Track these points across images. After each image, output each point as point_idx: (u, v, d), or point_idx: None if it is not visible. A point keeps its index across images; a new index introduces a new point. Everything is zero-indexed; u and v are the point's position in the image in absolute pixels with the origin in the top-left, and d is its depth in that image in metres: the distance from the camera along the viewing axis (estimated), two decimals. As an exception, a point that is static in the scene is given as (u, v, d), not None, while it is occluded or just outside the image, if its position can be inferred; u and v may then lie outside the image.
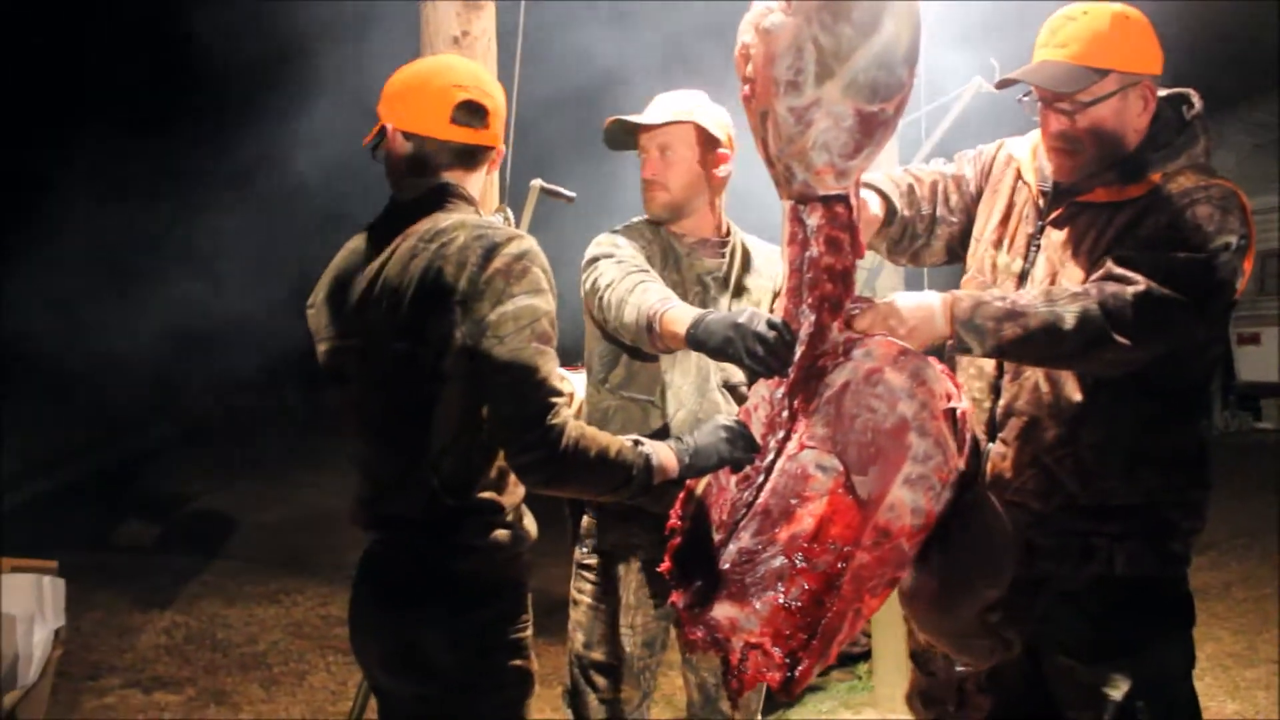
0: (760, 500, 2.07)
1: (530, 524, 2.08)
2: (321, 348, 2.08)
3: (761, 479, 2.09)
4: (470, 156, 2.08)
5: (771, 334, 2.00)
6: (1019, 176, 2.40)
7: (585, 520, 2.79)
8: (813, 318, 2.04)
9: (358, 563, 2.10)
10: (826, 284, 2.02)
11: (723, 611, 2.05)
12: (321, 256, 2.17)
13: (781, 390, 2.09)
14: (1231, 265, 2.09)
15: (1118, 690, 2.17)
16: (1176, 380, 2.19)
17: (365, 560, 2.07)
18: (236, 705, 4.86)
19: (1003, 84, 2.30)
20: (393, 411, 1.97)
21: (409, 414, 1.93)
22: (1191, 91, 2.26)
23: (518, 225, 2.91)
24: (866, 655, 4.62)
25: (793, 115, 1.93)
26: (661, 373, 2.67)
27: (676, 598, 2.13)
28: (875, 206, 2.38)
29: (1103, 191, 2.22)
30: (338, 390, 2.07)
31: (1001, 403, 2.30)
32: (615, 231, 2.74)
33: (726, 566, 2.06)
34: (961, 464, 1.99)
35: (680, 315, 2.26)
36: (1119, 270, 2.05)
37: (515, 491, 2.01)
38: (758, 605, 2.02)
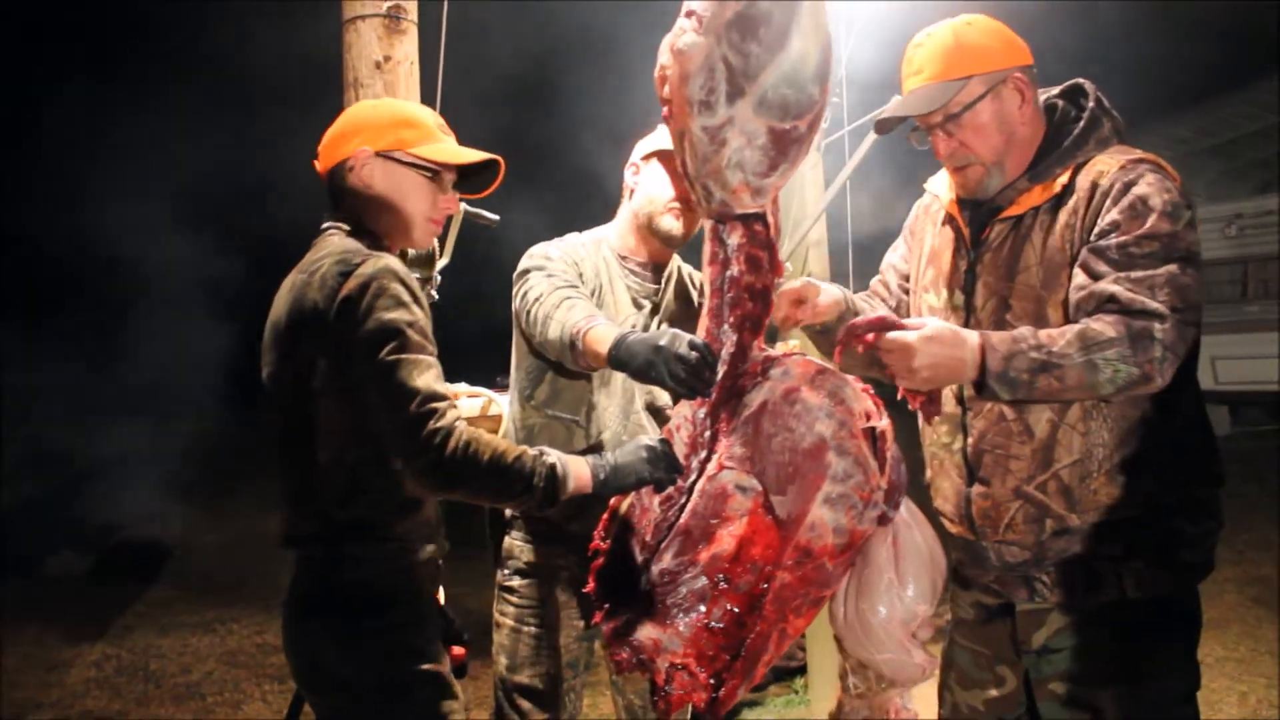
0: (681, 521, 2.07)
1: (433, 537, 2.09)
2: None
3: (684, 499, 2.09)
4: (330, 197, 2.15)
5: (693, 355, 1.99)
6: (943, 213, 2.38)
7: (507, 542, 2.78)
8: (734, 337, 2.05)
9: (290, 585, 2.15)
10: (747, 303, 2.03)
11: (646, 632, 2.05)
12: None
13: (704, 410, 2.10)
14: (1198, 249, 2.05)
15: (1116, 714, 2.13)
16: None
17: (290, 580, 2.10)
18: (169, 738, 4.79)
19: (880, 127, 2.31)
20: (285, 433, 2.02)
21: (296, 434, 1.99)
22: (1083, 81, 2.26)
23: (441, 249, 2.91)
24: (802, 670, 4.64)
25: (707, 135, 1.95)
26: (588, 393, 2.66)
27: (600, 618, 2.13)
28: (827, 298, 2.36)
29: (1023, 200, 2.20)
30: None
31: (970, 441, 2.24)
32: (550, 243, 2.73)
33: (649, 587, 2.07)
34: (884, 482, 2.00)
35: (603, 334, 2.25)
36: (1126, 297, 1.98)
37: (411, 506, 2.02)
38: (681, 626, 2.03)
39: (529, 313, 2.52)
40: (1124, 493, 2.11)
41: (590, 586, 2.17)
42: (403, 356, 1.88)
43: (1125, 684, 2.13)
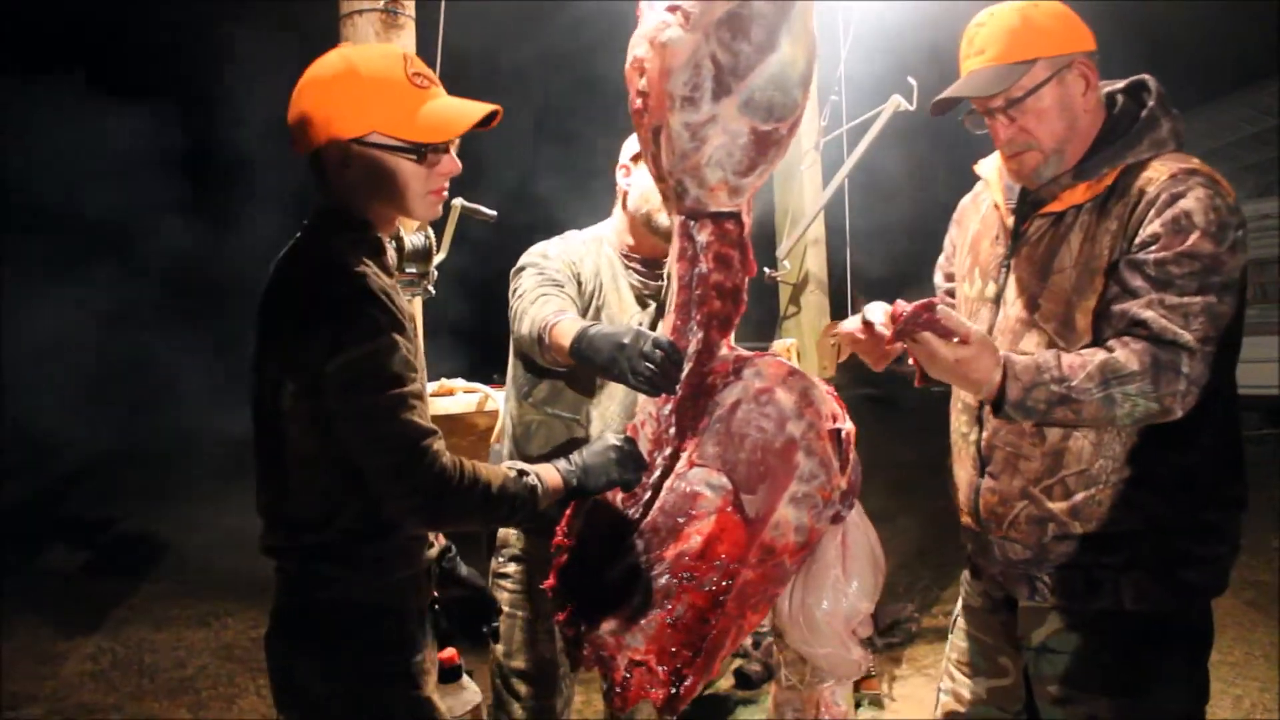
0: (649, 518, 2.07)
1: (418, 551, 2.00)
2: None
3: (648, 495, 2.09)
4: (315, 176, 1.94)
5: (657, 354, 1.97)
6: (989, 201, 2.35)
7: (500, 531, 2.80)
8: (700, 334, 2.04)
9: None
10: (715, 301, 2.02)
11: (609, 628, 2.05)
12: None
13: (669, 407, 2.09)
14: (1242, 269, 2.01)
15: None
16: None
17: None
18: (163, 732, 4.78)
19: (938, 108, 2.22)
20: (259, 444, 1.93)
21: (269, 448, 1.90)
22: (1148, 78, 2.19)
23: (439, 245, 2.90)
24: (797, 667, 4.64)
25: (688, 131, 1.94)
26: (589, 392, 2.66)
27: (562, 616, 2.13)
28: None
29: (1065, 196, 2.15)
30: None
31: (985, 435, 2.24)
32: (549, 242, 2.73)
33: (613, 584, 2.06)
34: (844, 483, 2.04)
35: (568, 328, 2.22)
36: (1157, 324, 1.95)
37: (388, 528, 1.91)
38: (644, 623, 2.03)
39: (511, 310, 2.53)
40: (1128, 507, 2.10)
41: (550, 583, 2.17)
42: (380, 396, 1.74)
43: (1122, 696, 2.12)
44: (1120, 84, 2.22)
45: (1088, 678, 2.15)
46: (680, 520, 2.04)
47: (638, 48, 1.96)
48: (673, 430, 2.07)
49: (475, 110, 1.91)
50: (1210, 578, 2.13)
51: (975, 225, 2.39)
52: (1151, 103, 2.15)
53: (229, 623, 6.31)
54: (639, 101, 1.98)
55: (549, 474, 1.96)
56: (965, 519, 2.34)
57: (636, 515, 2.08)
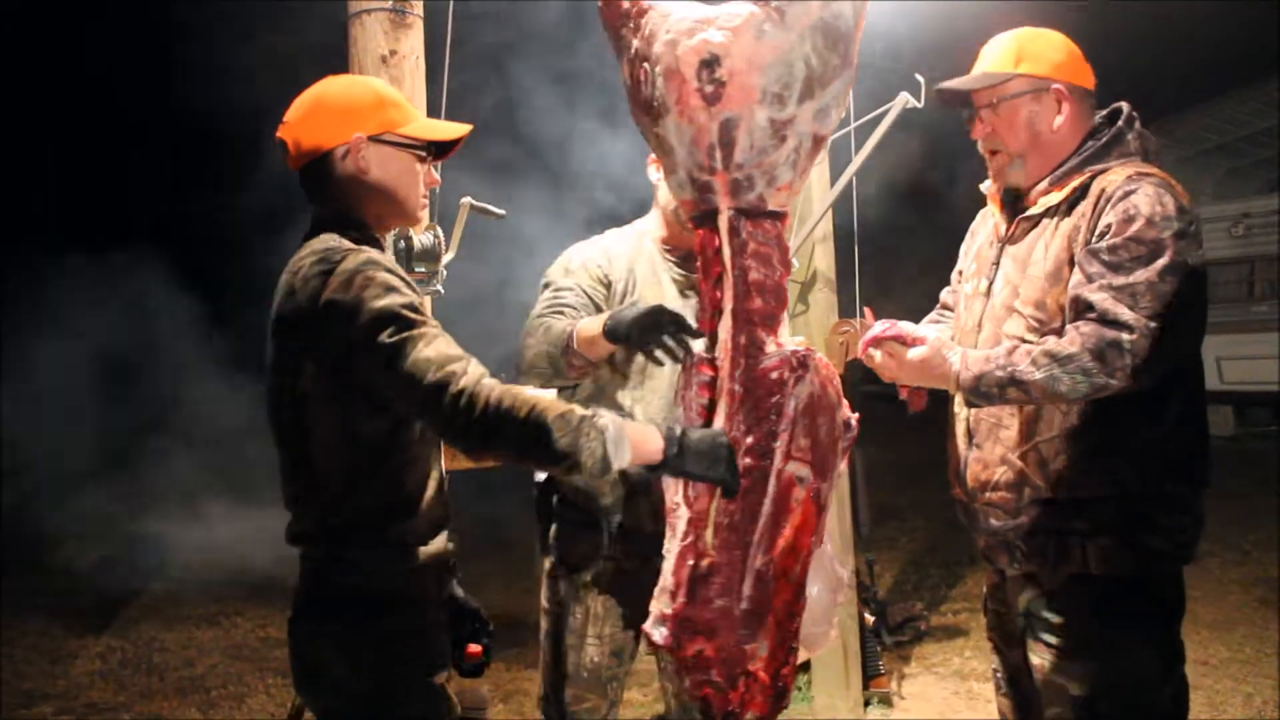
0: (761, 520, 2.02)
1: (436, 541, 2.03)
2: None
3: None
4: (309, 188, 2.06)
5: (671, 327, 2.18)
6: (990, 212, 2.57)
7: (553, 530, 2.81)
8: (748, 331, 2.02)
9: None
10: (756, 299, 2.02)
11: (753, 644, 2.01)
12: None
13: (734, 405, 2.08)
14: (1188, 258, 2.17)
15: (1083, 689, 2.25)
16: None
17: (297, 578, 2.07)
18: (173, 730, 4.79)
19: (940, 96, 2.51)
20: (281, 435, 1.99)
21: (292, 438, 1.96)
22: (1123, 104, 2.42)
23: (448, 243, 2.91)
24: (806, 665, 4.63)
25: (772, 127, 1.95)
26: (627, 388, 2.69)
27: (682, 645, 2.03)
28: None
29: (1043, 200, 2.37)
30: None
31: (972, 410, 2.42)
32: (580, 247, 2.79)
33: (749, 595, 2.01)
34: (844, 465, 2.15)
35: (590, 321, 2.39)
36: (1102, 306, 2.13)
37: (410, 508, 1.97)
38: (764, 629, 2.01)
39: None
40: (1096, 474, 2.26)
41: (678, 608, 2.05)
42: (406, 334, 1.81)
43: (1092, 660, 2.26)
44: (1103, 112, 2.46)
45: (1062, 643, 2.29)
46: (781, 517, 2.01)
47: (705, 33, 1.93)
48: (742, 428, 2.02)
49: (462, 126, 2.13)
50: (1173, 546, 2.28)
51: (982, 237, 2.62)
52: (1121, 122, 2.38)
53: (238, 622, 6.34)
54: (709, 88, 1.93)
55: (638, 430, 1.92)
56: (956, 491, 2.51)
57: (736, 520, 2.01)
